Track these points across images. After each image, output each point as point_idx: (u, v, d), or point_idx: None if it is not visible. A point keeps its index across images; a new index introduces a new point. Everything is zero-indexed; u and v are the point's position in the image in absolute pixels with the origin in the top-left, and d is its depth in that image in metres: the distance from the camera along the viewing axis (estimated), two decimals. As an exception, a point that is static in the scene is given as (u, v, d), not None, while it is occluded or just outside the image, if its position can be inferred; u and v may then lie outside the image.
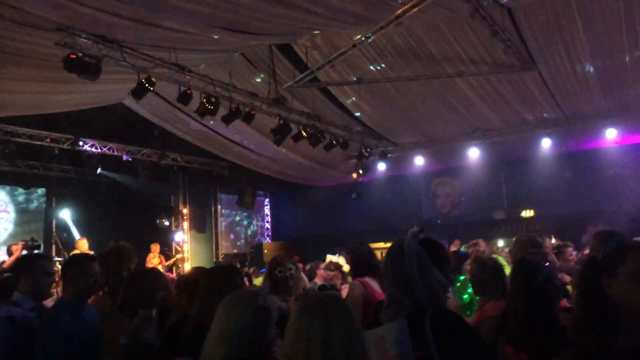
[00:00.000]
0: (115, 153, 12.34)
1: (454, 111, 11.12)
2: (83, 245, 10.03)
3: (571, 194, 12.70)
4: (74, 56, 6.67)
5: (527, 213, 13.67)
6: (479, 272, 3.55)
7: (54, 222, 13.07)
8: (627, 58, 8.62)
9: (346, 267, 5.12)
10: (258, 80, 9.78)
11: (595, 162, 12.49)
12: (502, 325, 2.81)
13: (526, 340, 2.60)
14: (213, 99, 8.58)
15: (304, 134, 10.33)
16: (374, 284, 3.99)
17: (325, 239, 14.82)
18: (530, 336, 2.59)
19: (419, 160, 13.75)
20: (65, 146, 11.28)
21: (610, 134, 11.43)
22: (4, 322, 3.01)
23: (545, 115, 11.32)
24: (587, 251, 6.03)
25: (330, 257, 5.37)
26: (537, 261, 2.97)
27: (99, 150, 11.96)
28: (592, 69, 9.05)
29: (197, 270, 3.59)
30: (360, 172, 13.01)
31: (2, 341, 2.97)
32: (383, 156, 13.00)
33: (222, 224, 16.25)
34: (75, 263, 3.31)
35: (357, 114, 11.46)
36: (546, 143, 12.17)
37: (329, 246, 13.05)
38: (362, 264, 4.20)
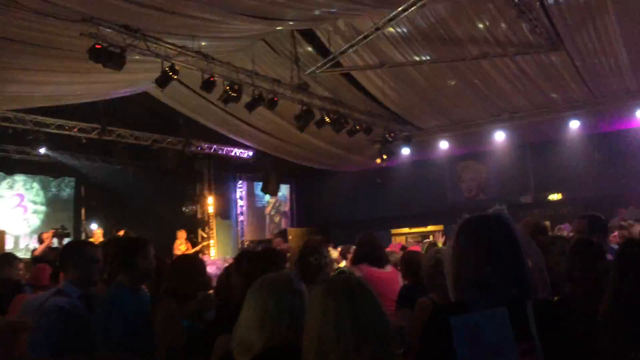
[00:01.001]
0: (142, 142, 12.50)
1: (479, 94, 10.95)
2: (98, 236, 10.22)
3: (600, 176, 12.43)
4: (99, 46, 6.74)
5: (555, 196, 13.45)
6: None
7: (83, 210, 13.32)
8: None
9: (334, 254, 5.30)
10: (280, 66, 9.77)
11: (625, 143, 12.18)
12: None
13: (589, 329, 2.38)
14: (236, 86, 8.61)
15: (327, 119, 10.30)
16: (372, 269, 4.13)
17: (349, 224, 14.80)
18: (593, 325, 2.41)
19: (444, 145, 13.61)
20: (92, 135, 11.46)
21: (642, 114, 11.15)
22: (53, 313, 2.98)
23: (573, 96, 11.08)
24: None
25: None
26: (598, 244, 2.86)
27: (126, 139, 12.12)
28: (622, 49, 8.80)
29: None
30: (384, 157, 12.91)
31: (53, 332, 2.94)
32: (407, 141, 12.90)
33: (246, 210, 16.38)
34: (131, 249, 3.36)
35: (381, 99, 11.37)
36: (574, 125, 11.92)
37: (354, 232, 13.04)
38: (360, 253, 4.39)
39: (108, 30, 6.82)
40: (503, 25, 8.30)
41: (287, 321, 1.93)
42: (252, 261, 2.87)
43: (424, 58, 9.44)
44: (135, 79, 9.13)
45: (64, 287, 3.16)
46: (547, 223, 6.04)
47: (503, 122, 12.37)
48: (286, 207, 17.69)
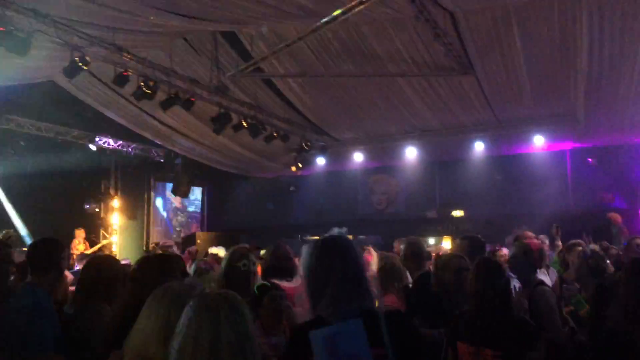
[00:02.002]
0: (44, 133, 11.71)
1: (395, 110, 11.31)
2: None
3: (499, 196, 13.24)
4: (3, 29, 6.26)
5: (458, 213, 14.12)
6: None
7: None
8: (558, 69, 9.06)
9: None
10: (199, 67, 9.56)
11: (522, 167, 13.08)
12: (461, 325, 2.86)
13: (494, 339, 2.67)
14: (151, 83, 8.32)
15: (245, 124, 10.20)
16: (282, 283, 3.96)
17: (261, 231, 14.73)
18: (501, 334, 2.67)
19: (358, 157, 13.92)
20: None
21: (538, 141, 12.00)
22: None
23: (479, 119, 11.72)
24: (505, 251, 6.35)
25: (210, 249, 5.43)
26: (499, 262, 3.09)
27: (26, 130, 11.31)
28: (525, 77, 9.44)
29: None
30: (300, 165, 13.01)
31: None
32: (323, 151, 13.06)
33: (155, 212, 15.81)
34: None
35: (300, 108, 11.44)
36: (479, 146, 12.63)
37: (266, 239, 12.99)
38: (268, 265, 4.23)
39: (15, 13, 6.35)
40: (420, 46, 8.64)
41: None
42: (141, 266, 2.66)
43: (344, 71, 9.61)
44: (41, 66, 8.57)
45: None
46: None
47: (415, 139, 12.85)
48: (197, 211, 17.28)
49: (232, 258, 3.39)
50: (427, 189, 14.56)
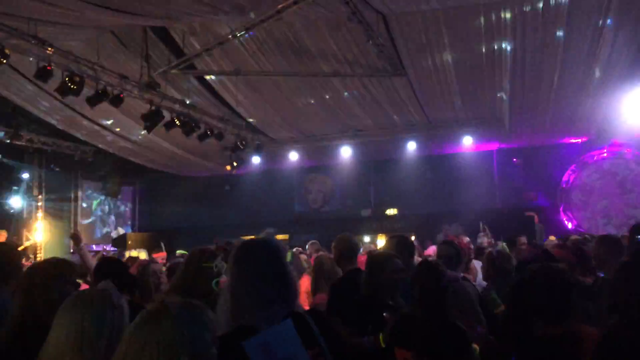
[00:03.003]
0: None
1: (329, 110, 11.41)
2: None
3: (430, 194, 13.65)
4: None
5: (391, 211, 14.43)
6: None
7: None
8: (485, 73, 9.43)
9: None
10: (129, 62, 9.26)
11: (453, 166, 13.55)
12: (399, 330, 2.80)
13: (432, 344, 2.62)
14: (77, 78, 7.96)
15: (177, 122, 9.96)
16: None
17: (196, 230, 14.46)
18: (436, 340, 2.63)
19: (294, 156, 13.93)
20: None
21: (467, 141, 12.45)
22: None
23: (411, 119, 12.02)
24: (430, 251, 6.55)
25: (130, 253, 5.23)
26: (440, 266, 3.02)
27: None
28: (454, 80, 9.76)
29: None
30: (235, 164, 12.86)
31: None
32: (258, 149, 12.95)
33: (83, 212, 15.20)
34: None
35: (234, 107, 11.31)
36: (411, 146, 12.96)
37: (201, 238, 12.75)
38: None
39: None
40: (354, 47, 8.75)
41: (106, 341, 1.79)
42: (31, 273, 2.47)
43: (278, 69, 9.59)
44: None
45: None
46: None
47: (349, 139, 13.01)
48: (128, 211, 16.75)
49: (197, 258, 3.07)
50: (362, 188, 14.79)
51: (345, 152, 13.44)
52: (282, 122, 12.40)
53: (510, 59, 8.65)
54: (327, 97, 10.73)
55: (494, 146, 13.44)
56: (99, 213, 15.89)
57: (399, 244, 4.02)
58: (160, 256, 6.97)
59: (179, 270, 3.20)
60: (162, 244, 9.02)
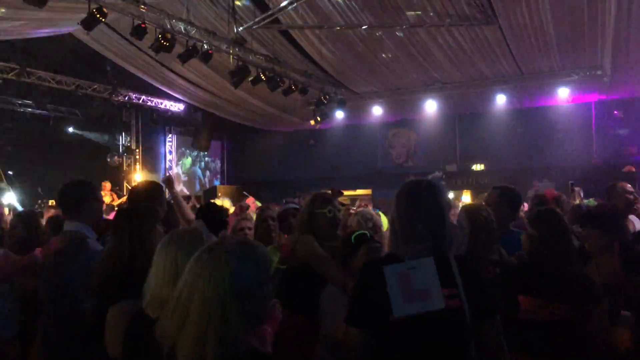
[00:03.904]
0: (65, 87, 11.81)
1: (414, 62, 11.10)
2: None
3: (521, 149, 13.09)
4: (19, -21, 6.25)
5: (478, 167, 14.04)
6: None
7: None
8: (585, 18, 8.75)
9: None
10: (217, 19, 9.44)
11: (546, 119, 12.86)
12: (520, 277, 2.78)
13: (563, 292, 2.61)
14: (169, 35, 8.26)
15: (263, 77, 10.13)
16: None
17: (280, 184, 14.86)
18: (566, 288, 2.62)
19: (377, 110, 13.78)
20: (10, 76, 10.69)
21: (563, 93, 11.73)
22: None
23: (502, 71, 11.46)
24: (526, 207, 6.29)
25: (215, 201, 5.33)
26: (560, 213, 2.92)
27: (47, 83, 11.41)
28: (551, 29, 9.15)
29: None
30: (318, 119, 12.95)
31: None
32: (341, 104, 12.95)
33: (176, 165, 16.01)
34: None
35: (318, 61, 11.29)
36: (501, 99, 12.40)
37: (284, 191, 13.12)
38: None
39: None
40: (442, -5, 8.39)
41: None
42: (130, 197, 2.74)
43: (363, 22, 9.41)
44: (59, 18, 8.55)
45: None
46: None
47: (434, 92, 12.66)
48: (217, 164, 17.44)
49: (315, 204, 3.15)
50: (447, 143, 14.45)
51: (430, 106, 13.11)
52: (366, 75, 12.24)
53: (615, 1, 7.94)
54: (413, 49, 10.42)
55: (593, 98, 12.56)
56: (195, 168, 16.66)
57: (503, 195, 3.64)
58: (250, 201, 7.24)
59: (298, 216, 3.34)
60: (245, 193, 9.33)
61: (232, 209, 6.18)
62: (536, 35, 9.48)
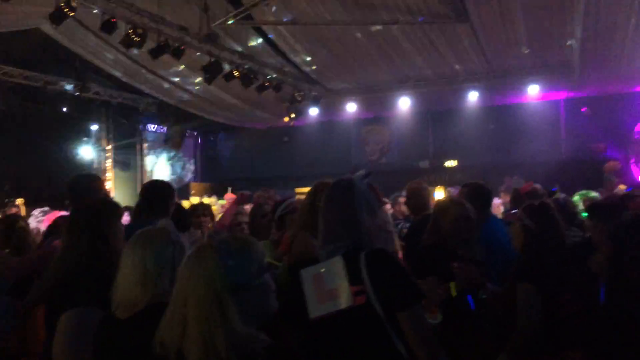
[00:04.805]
0: (32, 82, 11.52)
1: (388, 59, 11.16)
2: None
3: (492, 146, 13.28)
4: (-17, -29, 6.07)
5: (451, 163, 14.19)
6: None
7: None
8: (555, 16, 8.91)
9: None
10: (189, 14, 9.32)
11: (516, 116, 13.07)
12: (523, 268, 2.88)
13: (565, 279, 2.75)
14: (140, 31, 8.13)
15: (236, 73, 10.06)
16: None
17: (253, 182, 14.77)
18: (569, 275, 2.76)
19: (351, 107, 13.80)
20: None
21: (532, 90, 11.93)
22: None
23: (473, 68, 11.59)
24: (498, 200, 6.40)
25: (203, 200, 5.36)
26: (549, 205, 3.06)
27: (14, 79, 11.13)
28: (522, 26, 9.29)
29: None
30: (292, 116, 12.92)
31: None
32: (315, 101, 12.93)
33: (148, 163, 15.78)
34: None
35: (292, 57, 11.26)
36: (473, 96, 12.55)
37: (259, 189, 13.03)
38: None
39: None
40: (414, -8, 8.45)
41: (169, 275, 1.89)
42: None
43: (336, 19, 9.41)
44: (26, 12, 8.34)
45: None
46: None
47: (408, 89, 12.73)
48: (189, 161, 17.25)
49: (317, 196, 2.80)
50: (420, 140, 14.57)
51: (404, 103, 13.18)
52: (340, 72, 12.25)
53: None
54: (386, 46, 10.47)
55: (561, 95, 12.81)
56: (162, 164, 16.44)
57: (471, 193, 3.70)
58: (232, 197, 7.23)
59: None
60: (229, 189, 9.31)
61: (215, 206, 6.14)
62: (507, 32, 9.62)
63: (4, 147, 11.94)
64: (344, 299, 1.98)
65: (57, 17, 7.28)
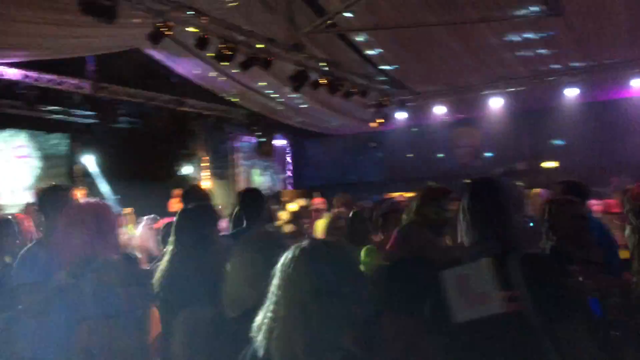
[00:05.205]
0: (135, 99, 12.37)
1: (478, 59, 10.82)
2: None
3: (595, 145, 12.48)
4: (90, -2, 6.59)
5: (549, 164, 13.50)
6: None
7: (76, 168, 13.29)
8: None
9: None
10: (275, 26, 9.59)
11: (619, 113, 12.20)
12: None
13: None
14: (230, 45, 8.48)
15: (322, 81, 10.20)
16: None
17: (343, 188, 14.83)
18: None
19: (440, 110, 13.53)
20: (85, 91, 11.32)
21: (637, 84, 11.08)
22: None
23: (571, 64, 10.97)
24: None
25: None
26: None
27: (119, 96, 12.00)
28: (622, 17, 8.67)
29: None
30: (379, 121, 12.88)
31: None
32: (403, 105, 12.82)
33: (241, 171, 16.37)
34: None
35: (377, 62, 11.23)
36: (571, 93, 11.86)
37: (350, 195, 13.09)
38: None
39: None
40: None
41: None
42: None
43: (422, 20, 9.27)
44: (128, 34, 8.96)
45: None
46: None
47: (500, 89, 12.28)
48: (281, 169, 17.70)
49: (420, 200, 3.04)
50: (515, 140, 13.99)
51: (495, 103, 12.73)
52: (427, 75, 12.04)
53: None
54: (475, 45, 10.16)
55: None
56: (255, 172, 17.00)
57: (567, 190, 3.51)
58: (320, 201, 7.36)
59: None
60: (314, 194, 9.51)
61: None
62: (606, 25, 9.01)
63: (110, 160, 12.92)
64: (496, 305, 1.86)
65: (155, 37, 7.77)
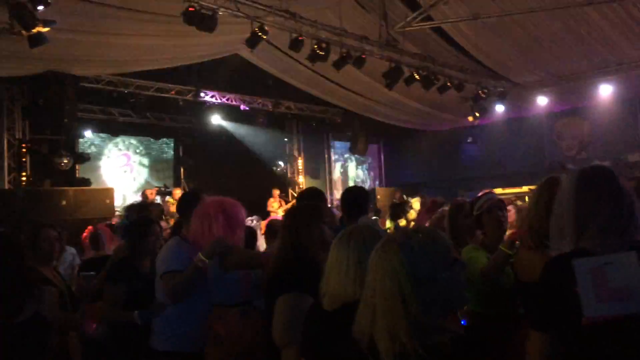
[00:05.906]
0: (233, 103, 12.87)
1: (583, 44, 10.16)
2: (177, 195, 10.63)
3: None
4: (192, 9, 6.94)
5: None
6: None
7: (182, 170, 14.06)
8: None
9: None
10: (368, 23, 9.57)
11: None
12: None
13: None
14: (324, 45, 8.58)
15: (417, 76, 10.04)
16: None
17: (439, 185, 14.56)
18: None
19: (542, 100, 12.85)
20: (188, 97, 11.94)
21: None
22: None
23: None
24: None
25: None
26: None
27: (219, 101, 12.54)
28: None
29: None
30: (477, 114, 12.46)
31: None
32: (501, 97, 12.32)
33: (335, 170, 16.52)
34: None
35: (474, 53, 10.87)
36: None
37: (446, 191, 12.81)
38: None
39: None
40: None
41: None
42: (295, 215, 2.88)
43: (521, 7, 8.85)
44: (227, 40, 9.33)
45: None
46: None
47: (609, 75, 11.45)
48: (374, 167, 17.67)
49: (480, 204, 3.24)
50: (627, 130, 12.99)
51: (605, 90, 11.89)
52: (527, 64, 11.47)
53: None
54: (580, 29, 9.54)
55: None
56: (349, 170, 17.09)
57: (638, 187, 3.24)
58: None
59: None
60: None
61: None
62: None
63: (211, 162, 13.53)
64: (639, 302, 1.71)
65: (253, 41, 8.04)
